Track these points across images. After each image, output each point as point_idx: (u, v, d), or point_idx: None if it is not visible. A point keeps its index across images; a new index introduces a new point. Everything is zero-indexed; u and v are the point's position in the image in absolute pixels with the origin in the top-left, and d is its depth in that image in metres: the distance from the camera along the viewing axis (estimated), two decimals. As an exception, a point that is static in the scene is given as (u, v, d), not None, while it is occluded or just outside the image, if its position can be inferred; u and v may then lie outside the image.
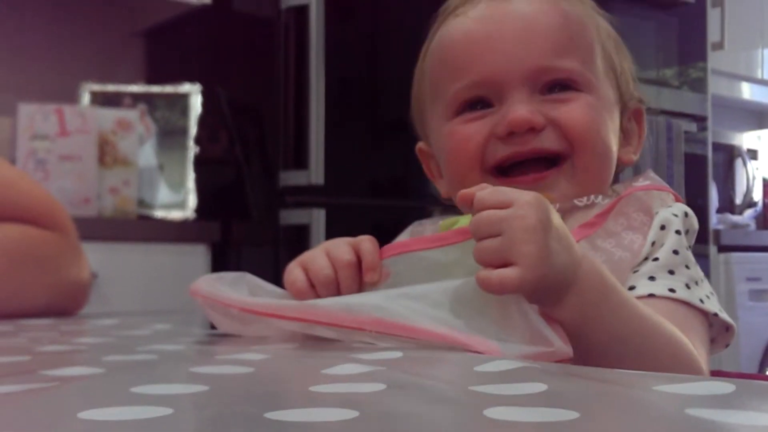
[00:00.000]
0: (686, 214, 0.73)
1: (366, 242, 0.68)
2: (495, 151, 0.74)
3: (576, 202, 0.72)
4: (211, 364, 0.48)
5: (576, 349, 0.56)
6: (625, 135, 0.81)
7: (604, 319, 0.58)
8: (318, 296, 0.66)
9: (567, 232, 0.58)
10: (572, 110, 0.74)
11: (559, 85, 0.75)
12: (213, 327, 0.70)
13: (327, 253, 0.68)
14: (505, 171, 0.75)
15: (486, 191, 0.59)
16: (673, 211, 0.72)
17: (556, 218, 0.58)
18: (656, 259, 0.69)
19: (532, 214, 0.56)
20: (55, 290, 0.95)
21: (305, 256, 0.69)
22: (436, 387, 0.41)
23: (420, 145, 0.87)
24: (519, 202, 0.56)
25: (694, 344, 0.63)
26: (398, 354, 0.52)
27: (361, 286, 0.67)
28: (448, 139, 0.78)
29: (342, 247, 0.68)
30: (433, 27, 0.83)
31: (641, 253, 0.70)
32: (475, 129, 0.75)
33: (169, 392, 0.38)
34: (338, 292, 0.66)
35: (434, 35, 0.82)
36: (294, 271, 0.67)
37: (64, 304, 0.96)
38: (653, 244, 0.70)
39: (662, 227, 0.71)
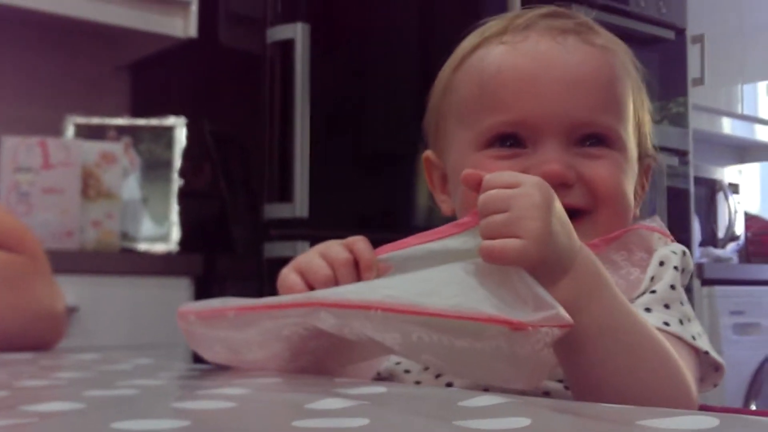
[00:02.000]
0: (684, 254, 0.74)
1: (360, 242, 0.67)
2: None
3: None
4: (193, 399, 0.47)
5: (566, 340, 0.56)
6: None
7: (596, 309, 0.59)
8: None
9: (568, 221, 0.60)
10: (602, 168, 0.75)
11: (593, 138, 0.76)
12: (196, 361, 0.70)
13: (322, 255, 0.67)
14: None
15: (494, 173, 0.61)
16: (672, 249, 0.73)
17: (558, 205, 0.60)
18: (653, 291, 0.70)
19: (538, 193, 0.58)
20: (27, 314, 0.94)
21: (299, 260, 0.68)
22: (419, 422, 0.41)
23: (428, 153, 0.85)
24: (526, 183, 0.59)
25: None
26: (382, 389, 0.51)
27: None
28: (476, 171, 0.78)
29: (336, 247, 0.67)
30: (471, 40, 0.81)
31: (638, 287, 0.70)
32: (503, 168, 0.73)
33: (150, 428, 0.37)
34: None
35: (472, 52, 0.80)
36: (290, 275, 0.66)
37: (40, 332, 0.95)
38: (652, 279, 0.71)
39: (661, 263, 0.72)
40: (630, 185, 0.77)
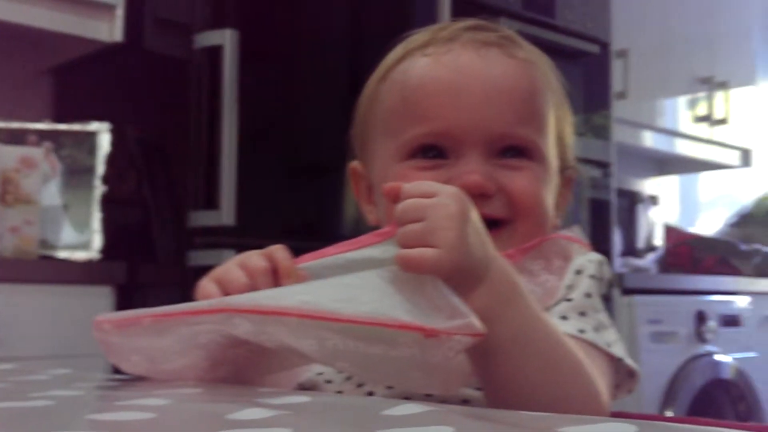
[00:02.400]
0: (601, 263, 0.75)
1: (279, 250, 0.67)
2: None
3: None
4: (111, 410, 0.46)
5: (480, 347, 0.57)
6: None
7: (510, 317, 0.60)
8: None
9: (484, 231, 0.61)
10: (521, 180, 0.76)
11: (513, 150, 0.77)
12: (116, 371, 0.68)
13: (240, 265, 0.67)
14: None
15: (412, 183, 0.62)
16: (589, 258, 0.75)
17: (474, 215, 0.61)
18: (569, 300, 0.71)
19: (454, 204, 0.59)
20: None
21: (217, 271, 0.67)
22: (342, 431, 0.41)
23: (354, 164, 0.86)
24: (442, 193, 0.60)
25: (597, 381, 0.65)
26: (305, 398, 0.51)
27: None
28: (396, 181, 0.78)
29: (254, 257, 0.67)
30: (396, 53, 0.83)
31: (555, 295, 0.72)
32: (427, 179, 0.74)
33: (65, 440, 0.37)
34: None
35: (397, 64, 0.81)
36: (207, 286, 0.66)
37: None
38: (569, 287, 0.72)
39: (578, 272, 0.73)
40: (549, 196, 0.79)
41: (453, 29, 0.81)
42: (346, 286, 0.58)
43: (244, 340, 0.60)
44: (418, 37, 0.82)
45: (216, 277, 0.67)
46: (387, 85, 0.82)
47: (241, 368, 0.64)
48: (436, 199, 0.59)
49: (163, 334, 0.62)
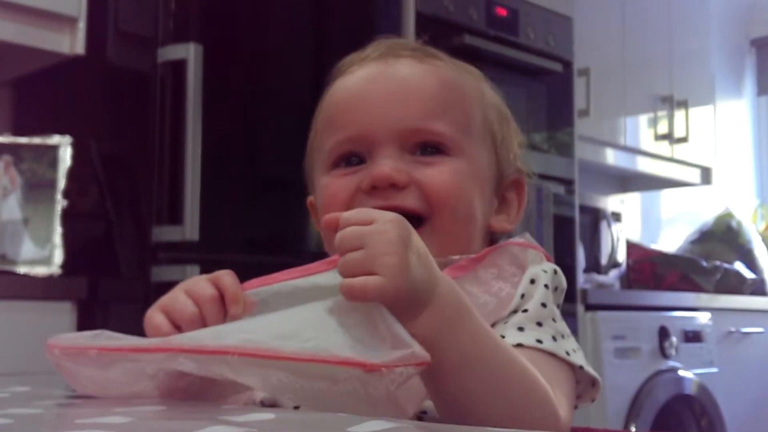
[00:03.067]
0: (555, 272, 0.75)
1: (225, 276, 0.67)
2: (359, 204, 0.76)
3: (453, 257, 0.74)
4: (71, 428, 0.45)
5: (430, 370, 0.57)
6: (502, 203, 0.83)
7: (458, 339, 0.60)
8: None
9: (427, 253, 0.61)
10: (437, 174, 0.76)
11: (430, 147, 0.77)
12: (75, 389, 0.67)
13: (187, 292, 0.66)
14: None
15: (350, 211, 0.62)
16: (543, 268, 0.75)
17: (416, 238, 0.61)
18: (525, 310, 0.71)
19: (393, 229, 0.59)
20: None
21: (164, 300, 0.67)
22: (307, 449, 0.40)
23: (310, 198, 0.88)
24: (381, 219, 0.60)
25: (555, 394, 0.65)
26: (270, 416, 0.51)
27: (226, 320, 0.66)
28: (322, 192, 0.80)
29: (201, 283, 0.67)
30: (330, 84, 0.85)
31: (510, 303, 0.71)
32: (344, 184, 0.77)
33: (22, 460, 0.36)
34: None
35: (327, 92, 0.85)
36: (155, 316, 0.66)
37: None
38: (523, 296, 0.72)
39: (532, 281, 0.73)
40: (471, 192, 0.78)
41: (375, 48, 0.84)
42: (290, 321, 0.58)
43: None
44: (344, 60, 0.86)
45: (163, 306, 0.66)
46: (318, 113, 0.85)
47: (194, 395, 0.64)
48: (375, 225, 0.59)
49: (110, 366, 0.62)
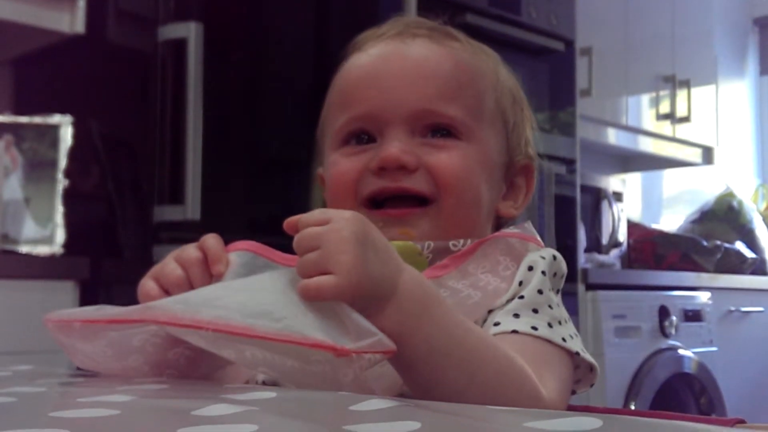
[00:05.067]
0: (554, 258, 0.75)
1: (209, 238, 0.71)
2: (367, 184, 0.77)
3: (450, 245, 0.74)
4: (73, 407, 0.46)
5: (399, 359, 0.58)
6: (510, 189, 0.83)
7: (425, 330, 0.60)
8: None
9: (388, 247, 0.62)
10: (446, 158, 0.76)
11: (440, 131, 0.77)
12: (78, 368, 0.67)
13: (176, 258, 0.70)
14: (379, 204, 0.77)
15: (309, 213, 0.62)
16: (542, 254, 0.74)
17: (375, 234, 0.61)
18: (522, 297, 0.71)
19: (347, 227, 0.59)
20: None
21: (155, 268, 0.70)
22: (309, 428, 0.40)
23: (320, 170, 0.88)
24: (336, 218, 0.60)
25: (543, 375, 0.65)
26: (271, 394, 0.51)
27: (212, 282, 0.68)
28: (330, 169, 0.80)
29: (188, 249, 0.70)
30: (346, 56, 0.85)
31: (498, 296, 0.71)
32: (352, 163, 0.77)
33: (26, 438, 0.36)
34: None
35: (342, 66, 0.84)
36: (146, 282, 0.69)
37: None
38: (521, 283, 0.72)
39: (530, 268, 0.73)
40: (479, 176, 0.78)
41: (392, 25, 0.83)
42: (262, 302, 0.58)
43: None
44: (360, 36, 0.85)
45: (153, 273, 0.69)
46: (330, 90, 0.85)
47: (186, 369, 0.64)
48: (330, 225, 0.60)
49: (95, 337, 0.63)
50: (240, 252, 0.71)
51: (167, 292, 0.67)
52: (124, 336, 0.61)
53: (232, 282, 0.65)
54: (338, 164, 0.79)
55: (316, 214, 0.62)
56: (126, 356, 0.63)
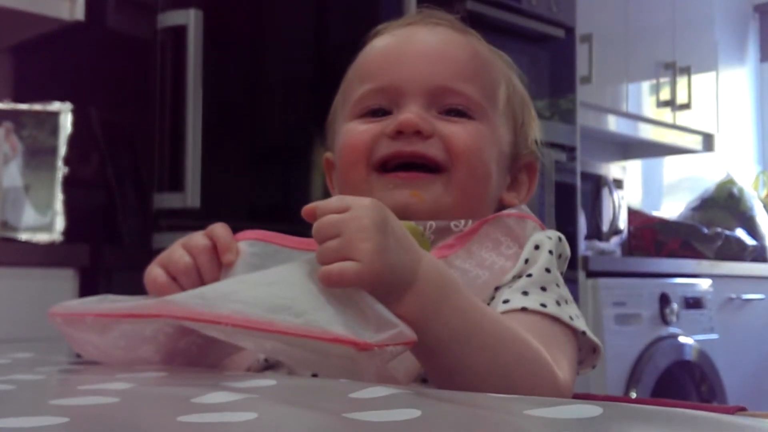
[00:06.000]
0: (560, 239, 0.76)
1: (218, 227, 0.70)
2: (381, 147, 0.78)
3: (452, 226, 0.74)
4: (73, 395, 0.46)
5: (419, 347, 0.58)
6: (513, 183, 0.85)
7: (445, 316, 0.61)
8: (182, 288, 0.66)
9: (406, 234, 0.62)
10: (461, 129, 0.78)
11: (456, 111, 0.79)
12: (78, 355, 0.67)
13: (183, 246, 0.69)
14: (389, 170, 0.78)
15: (327, 200, 0.62)
16: (548, 234, 0.75)
17: (394, 221, 0.61)
18: (530, 275, 0.71)
19: (367, 214, 0.59)
20: None
21: (162, 255, 0.70)
22: (309, 416, 0.40)
23: (327, 155, 0.88)
24: (355, 206, 0.60)
25: (555, 356, 0.65)
26: (271, 382, 0.51)
27: (221, 271, 0.68)
28: (344, 136, 0.81)
29: (196, 236, 0.70)
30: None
31: (504, 274, 0.72)
32: (368, 128, 0.79)
33: (26, 425, 0.36)
34: (200, 280, 0.67)
35: (364, 50, 0.86)
36: (153, 269, 0.69)
37: None
38: (527, 261, 0.72)
39: (536, 247, 0.74)
40: (490, 153, 0.80)
41: (417, 17, 0.86)
42: (279, 289, 0.58)
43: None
44: (384, 24, 0.87)
45: (161, 260, 0.69)
46: (349, 71, 0.86)
47: (196, 357, 0.64)
48: (350, 212, 0.59)
49: (107, 330, 0.63)
50: (250, 241, 0.71)
51: (175, 279, 0.67)
52: (136, 327, 0.61)
53: (248, 275, 0.65)
54: (354, 129, 0.80)
55: (335, 201, 0.61)
56: (138, 346, 0.63)
